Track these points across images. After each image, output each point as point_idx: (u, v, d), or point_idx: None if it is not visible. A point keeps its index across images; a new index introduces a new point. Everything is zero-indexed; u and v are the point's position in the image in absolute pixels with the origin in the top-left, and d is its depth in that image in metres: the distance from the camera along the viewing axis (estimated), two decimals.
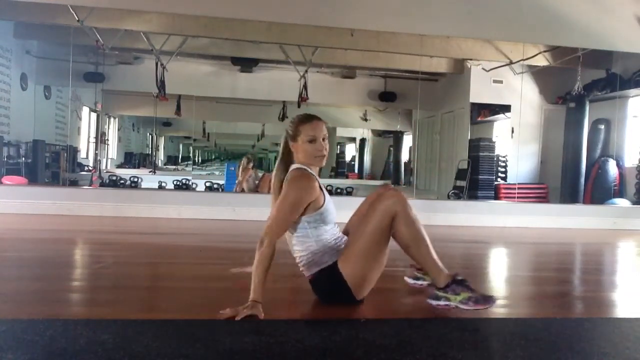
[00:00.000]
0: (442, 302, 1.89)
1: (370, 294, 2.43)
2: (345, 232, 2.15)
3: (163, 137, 10.43)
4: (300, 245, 1.99)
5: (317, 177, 1.99)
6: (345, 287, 1.93)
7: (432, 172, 8.54)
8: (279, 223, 1.88)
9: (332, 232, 2.02)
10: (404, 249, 1.94)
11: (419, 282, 2.31)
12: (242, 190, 6.55)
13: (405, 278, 2.38)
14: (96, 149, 8.00)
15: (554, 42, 6.08)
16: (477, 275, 3.03)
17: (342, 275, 1.92)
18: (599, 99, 7.07)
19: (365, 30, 5.72)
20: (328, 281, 1.96)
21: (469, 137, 7.59)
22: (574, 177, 6.80)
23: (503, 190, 7.27)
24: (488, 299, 1.87)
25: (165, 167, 10.31)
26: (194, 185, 7.27)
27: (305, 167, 1.97)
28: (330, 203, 2.01)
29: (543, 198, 7.29)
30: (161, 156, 10.57)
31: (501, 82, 7.41)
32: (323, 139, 1.96)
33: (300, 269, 2.05)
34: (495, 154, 7.63)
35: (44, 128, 7.36)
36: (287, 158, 2.01)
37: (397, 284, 2.42)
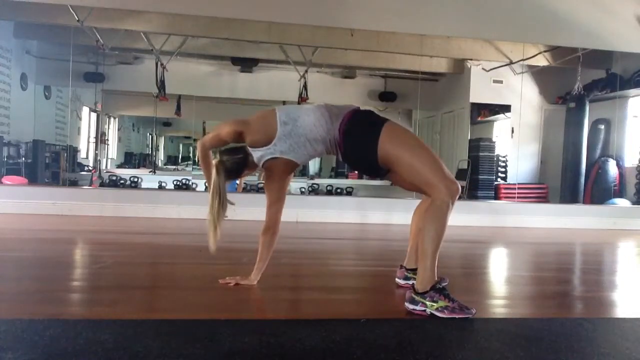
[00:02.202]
0: (418, 307, 1.89)
1: (370, 294, 2.44)
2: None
3: (163, 137, 10.43)
4: (313, 131, 2.06)
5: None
6: (375, 142, 1.96)
7: None
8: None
9: (307, 107, 2.13)
10: (420, 232, 1.97)
11: (410, 282, 2.31)
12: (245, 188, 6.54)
13: (396, 279, 2.38)
14: (96, 149, 8.01)
15: (554, 42, 6.09)
16: (477, 275, 3.03)
17: (379, 140, 1.95)
18: (599, 99, 7.07)
19: (365, 30, 5.72)
20: (367, 121, 2.04)
21: (469, 137, 7.59)
22: (574, 177, 6.80)
23: (503, 190, 7.27)
24: (465, 310, 1.87)
25: (165, 167, 10.31)
26: (194, 185, 7.27)
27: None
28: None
29: (543, 198, 7.29)
30: (161, 156, 10.58)
31: (501, 82, 7.41)
32: None
33: (334, 146, 2.07)
34: (495, 154, 7.63)
35: (44, 128, 7.37)
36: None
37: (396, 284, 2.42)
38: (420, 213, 2.28)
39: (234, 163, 2.15)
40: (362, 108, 2.11)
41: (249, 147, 2.12)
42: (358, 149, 2.04)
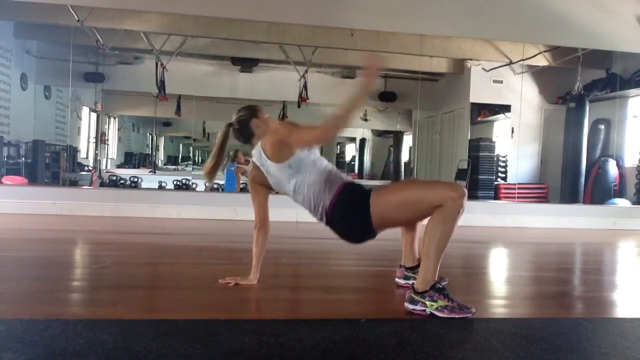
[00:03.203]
0: (418, 307, 1.89)
1: (370, 294, 2.44)
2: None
3: (163, 137, 10.44)
4: (305, 189, 2.05)
5: None
6: (366, 211, 1.95)
7: (432, 172, 8.53)
8: (308, 130, 1.98)
9: (321, 162, 2.12)
10: (424, 234, 1.95)
11: (410, 282, 2.31)
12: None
13: (396, 279, 2.38)
14: (96, 149, 8.01)
15: (554, 42, 6.09)
16: (477, 275, 3.03)
17: (370, 203, 1.96)
18: (599, 99, 7.07)
19: (365, 30, 5.72)
20: (352, 196, 2.02)
21: (469, 137, 7.59)
22: (574, 177, 6.80)
23: (503, 190, 7.27)
24: (465, 309, 1.87)
25: (165, 167, 10.32)
26: (194, 185, 7.27)
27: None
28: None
29: (543, 198, 7.29)
30: (161, 156, 10.58)
31: (501, 82, 7.41)
32: None
33: (320, 212, 2.05)
34: (495, 154, 7.64)
35: (44, 128, 7.37)
36: (225, 149, 2.27)
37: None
38: None
39: (237, 121, 2.25)
40: (352, 182, 2.10)
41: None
42: (347, 220, 2.04)
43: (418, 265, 2.31)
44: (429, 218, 1.94)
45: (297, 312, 2.06)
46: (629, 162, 6.99)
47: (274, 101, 8.41)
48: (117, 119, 9.19)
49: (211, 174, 2.25)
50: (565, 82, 7.22)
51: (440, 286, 1.90)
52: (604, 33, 5.50)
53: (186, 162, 10.55)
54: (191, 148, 10.53)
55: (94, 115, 8.22)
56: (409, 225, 2.26)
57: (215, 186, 7.11)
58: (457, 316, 1.85)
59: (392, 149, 9.87)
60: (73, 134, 7.90)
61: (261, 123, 2.22)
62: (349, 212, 2.01)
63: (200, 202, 5.46)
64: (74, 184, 6.81)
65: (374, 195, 1.98)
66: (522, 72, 7.28)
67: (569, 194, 6.81)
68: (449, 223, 1.90)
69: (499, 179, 7.55)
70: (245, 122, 2.23)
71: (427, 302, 1.88)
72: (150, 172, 9.09)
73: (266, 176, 2.16)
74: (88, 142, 8.35)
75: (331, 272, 2.95)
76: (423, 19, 5.25)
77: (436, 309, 1.86)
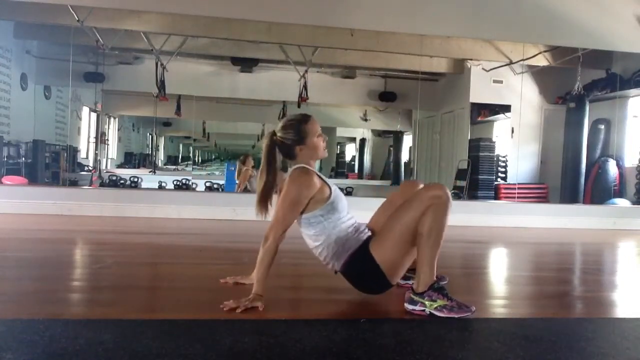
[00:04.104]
0: (417, 308, 1.89)
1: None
2: (370, 228, 2.16)
3: (163, 137, 10.44)
4: (321, 241, 2.03)
5: (317, 172, 2.05)
6: (378, 269, 1.95)
7: (432, 172, 8.54)
8: (280, 220, 1.94)
9: (347, 219, 2.07)
10: (416, 237, 1.92)
11: (410, 282, 2.31)
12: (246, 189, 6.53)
13: None
14: (96, 149, 8.01)
15: (554, 42, 6.08)
16: (477, 275, 3.03)
17: (375, 258, 1.95)
18: (599, 99, 7.07)
19: (365, 30, 5.72)
20: (361, 263, 1.99)
21: (469, 137, 7.59)
22: (574, 177, 6.79)
23: (503, 190, 7.27)
24: (464, 308, 1.87)
25: (165, 167, 10.32)
26: (194, 185, 7.27)
27: (306, 165, 2.03)
28: (338, 191, 2.06)
29: (543, 198, 7.29)
30: (161, 156, 10.58)
31: (501, 82, 7.41)
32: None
33: (330, 266, 2.07)
34: (495, 154, 7.63)
35: (44, 128, 7.37)
36: (274, 163, 2.01)
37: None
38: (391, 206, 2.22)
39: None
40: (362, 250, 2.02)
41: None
42: (362, 280, 2.05)
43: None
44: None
45: (297, 312, 2.06)
46: (629, 162, 6.99)
47: (274, 101, 8.41)
48: (117, 119, 9.19)
49: (262, 206, 2.00)
50: (565, 82, 7.21)
51: (439, 285, 1.90)
52: (604, 33, 5.50)
53: (186, 162, 10.55)
54: (191, 148, 10.53)
55: (94, 115, 8.22)
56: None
57: (215, 186, 7.12)
58: (456, 315, 1.85)
59: (392, 149, 9.87)
60: (73, 134, 7.90)
61: (306, 151, 2.03)
62: (362, 274, 2.02)
63: (200, 202, 5.46)
64: (74, 184, 6.81)
65: (373, 248, 1.97)
66: (522, 72, 7.28)
67: (569, 194, 6.81)
68: (438, 219, 1.89)
69: (499, 179, 7.54)
70: (289, 147, 2.03)
71: (427, 302, 1.87)
72: (150, 172, 9.09)
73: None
74: (88, 142, 8.35)
75: (331, 272, 2.94)
76: (423, 19, 5.25)
77: (435, 308, 1.86)
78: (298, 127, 2.02)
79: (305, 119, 2.04)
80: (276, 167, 2.02)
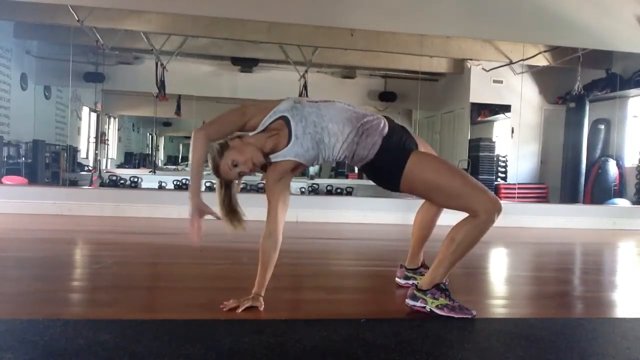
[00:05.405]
0: (418, 304, 1.89)
1: (370, 294, 2.44)
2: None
3: (163, 137, 10.44)
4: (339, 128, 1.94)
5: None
6: (401, 166, 1.89)
7: None
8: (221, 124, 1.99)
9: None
10: (447, 236, 1.91)
11: (410, 282, 2.31)
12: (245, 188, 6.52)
13: (397, 279, 2.37)
14: (96, 149, 8.01)
15: (554, 42, 6.08)
16: (477, 275, 3.03)
17: (407, 162, 1.89)
18: (599, 99, 7.07)
19: (365, 30, 5.72)
20: (397, 146, 1.95)
21: (469, 137, 7.59)
22: (574, 177, 6.80)
23: (503, 190, 7.27)
24: (465, 310, 1.87)
25: (165, 167, 10.32)
26: None
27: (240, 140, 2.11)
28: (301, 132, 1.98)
29: (543, 198, 7.29)
30: (161, 156, 10.58)
31: (501, 82, 7.41)
32: None
33: (363, 154, 1.97)
34: (495, 154, 7.64)
35: (44, 128, 7.37)
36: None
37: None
38: (424, 214, 2.27)
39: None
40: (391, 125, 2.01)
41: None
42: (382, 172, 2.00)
43: (419, 268, 2.32)
44: (457, 222, 1.91)
45: (297, 312, 2.06)
46: (629, 162, 6.99)
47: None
48: (117, 119, 9.19)
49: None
50: (565, 82, 7.21)
51: (444, 286, 1.90)
52: (604, 33, 5.50)
53: (186, 162, 10.55)
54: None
55: (94, 115, 8.22)
56: (429, 214, 2.23)
57: (215, 186, 7.10)
58: (456, 316, 1.85)
59: None
60: (73, 134, 7.90)
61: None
62: (389, 163, 1.95)
63: None
64: (74, 184, 6.81)
65: (413, 159, 1.90)
66: (522, 72, 7.28)
67: (569, 194, 6.81)
68: (475, 236, 1.88)
69: (499, 179, 7.54)
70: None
71: (428, 299, 1.87)
72: (150, 172, 9.08)
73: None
74: (88, 142, 8.35)
75: (331, 272, 2.95)
76: (423, 19, 5.25)
77: (436, 306, 1.86)
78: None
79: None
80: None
